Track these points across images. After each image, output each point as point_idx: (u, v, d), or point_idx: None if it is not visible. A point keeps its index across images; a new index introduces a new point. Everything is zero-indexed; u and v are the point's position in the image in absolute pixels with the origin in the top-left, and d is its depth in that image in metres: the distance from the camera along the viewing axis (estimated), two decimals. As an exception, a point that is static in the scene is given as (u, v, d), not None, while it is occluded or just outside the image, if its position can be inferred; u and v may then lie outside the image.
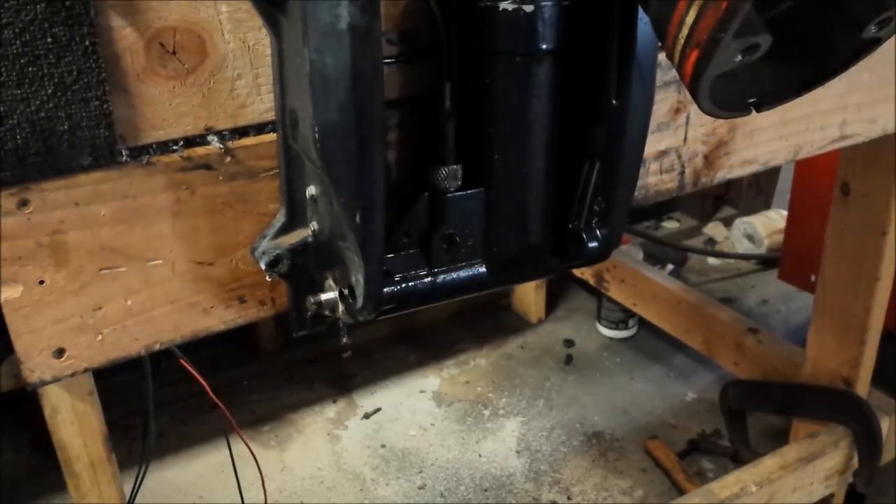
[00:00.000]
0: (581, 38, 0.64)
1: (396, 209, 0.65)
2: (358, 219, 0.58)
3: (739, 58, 0.51)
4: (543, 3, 0.60)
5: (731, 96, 0.56)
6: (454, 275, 0.68)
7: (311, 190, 0.62)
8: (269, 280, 0.65)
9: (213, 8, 0.57)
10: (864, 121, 0.97)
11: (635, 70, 0.64)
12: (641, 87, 0.65)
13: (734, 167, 0.89)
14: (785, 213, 2.26)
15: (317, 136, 0.55)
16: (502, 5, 0.60)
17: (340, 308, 0.65)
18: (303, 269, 0.66)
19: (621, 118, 0.66)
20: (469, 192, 0.66)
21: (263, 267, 0.64)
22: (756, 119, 0.88)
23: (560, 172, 0.68)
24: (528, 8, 0.60)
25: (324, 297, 0.65)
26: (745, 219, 2.49)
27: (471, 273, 0.69)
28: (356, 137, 0.57)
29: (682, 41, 0.50)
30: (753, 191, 2.68)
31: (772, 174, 2.59)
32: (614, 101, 0.66)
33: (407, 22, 0.64)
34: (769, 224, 2.44)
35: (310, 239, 0.64)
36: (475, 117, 0.64)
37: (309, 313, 0.66)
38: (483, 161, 0.66)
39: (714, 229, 2.62)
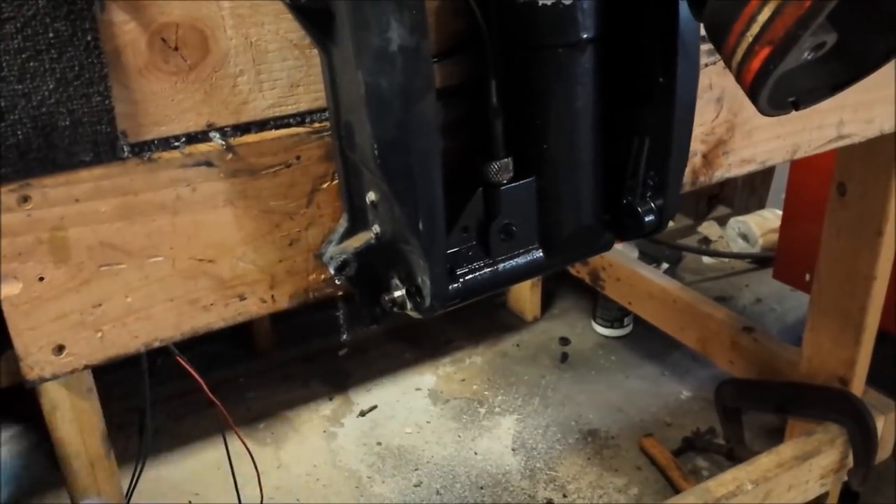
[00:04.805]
0: (622, 18, 0.65)
1: (453, 204, 0.66)
2: (421, 226, 0.60)
3: (807, 55, 0.50)
4: None
5: (775, 95, 0.56)
6: (513, 262, 0.70)
7: (371, 196, 0.64)
8: (338, 283, 0.67)
9: (216, 4, 0.57)
10: (861, 121, 0.97)
11: (680, 46, 0.65)
12: (687, 61, 0.66)
13: (732, 166, 0.90)
14: (779, 212, 2.27)
15: (376, 152, 0.57)
16: (542, 1, 0.60)
17: (409, 305, 0.67)
18: (368, 269, 0.67)
19: (669, 94, 0.67)
20: (521, 182, 0.67)
21: (332, 271, 0.65)
22: (754, 118, 0.88)
23: (608, 152, 0.69)
24: (567, 1, 0.60)
25: (396, 294, 0.67)
26: (740, 218, 2.50)
27: (528, 259, 0.70)
28: (414, 151, 0.58)
29: (750, 38, 0.50)
30: (748, 190, 2.69)
31: (766, 174, 2.60)
32: (661, 79, 0.67)
33: (448, 21, 0.65)
34: (763, 223, 2.44)
35: (373, 241, 0.66)
36: (522, 109, 0.65)
37: (383, 310, 0.68)
38: (532, 151, 0.67)
39: (708, 228, 2.62)
